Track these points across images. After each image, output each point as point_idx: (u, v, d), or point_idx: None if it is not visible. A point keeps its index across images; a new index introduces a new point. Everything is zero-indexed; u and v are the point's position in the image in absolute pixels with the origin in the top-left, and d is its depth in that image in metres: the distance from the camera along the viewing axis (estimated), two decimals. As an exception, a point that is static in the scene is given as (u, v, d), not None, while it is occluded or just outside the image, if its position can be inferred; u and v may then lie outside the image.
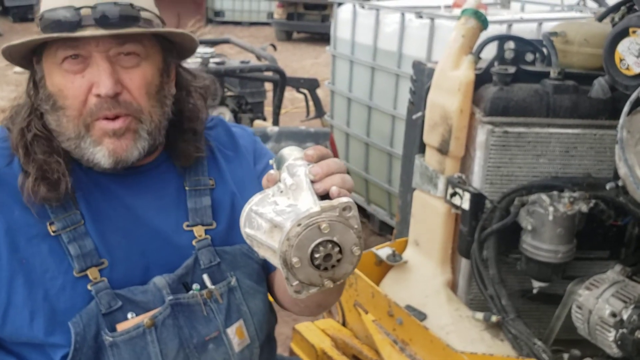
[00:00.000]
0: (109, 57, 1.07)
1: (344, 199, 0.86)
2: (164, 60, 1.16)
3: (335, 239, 0.86)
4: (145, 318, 1.10)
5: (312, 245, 0.85)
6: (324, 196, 0.89)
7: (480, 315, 2.16)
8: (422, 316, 2.27)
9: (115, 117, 1.08)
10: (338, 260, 0.88)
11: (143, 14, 1.10)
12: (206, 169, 1.26)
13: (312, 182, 0.90)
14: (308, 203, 0.86)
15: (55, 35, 1.04)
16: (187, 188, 1.22)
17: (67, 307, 1.08)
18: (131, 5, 1.08)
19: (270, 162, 1.00)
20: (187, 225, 1.20)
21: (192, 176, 1.23)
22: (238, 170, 1.30)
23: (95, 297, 1.09)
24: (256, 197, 0.93)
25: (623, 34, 1.90)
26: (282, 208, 0.88)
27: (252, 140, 1.36)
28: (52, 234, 1.09)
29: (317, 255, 0.86)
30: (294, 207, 0.87)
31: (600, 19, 2.33)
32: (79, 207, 1.12)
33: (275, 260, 0.89)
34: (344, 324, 2.55)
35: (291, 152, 0.99)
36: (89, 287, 1.09)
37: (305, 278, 0.88)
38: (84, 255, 1.10)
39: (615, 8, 2.26)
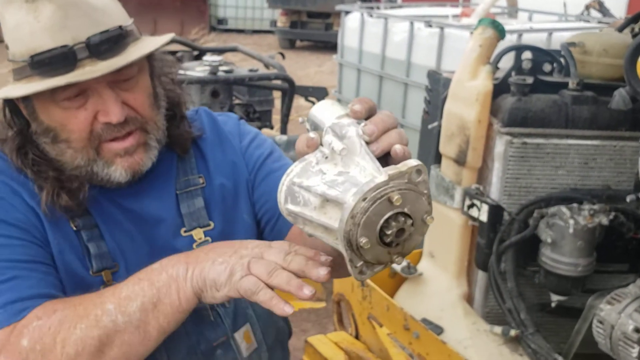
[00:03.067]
0: (109, 84, 1.04)
1: (413, 162, 0.72)
2: (150, 65, 1.13)
3: (406, 209, 0.73)
4: None
5: (382, 221, 0.72)
6: (381, 158, 0.75)
7: (498, 329, 2.12)
8: (438, 330, 2.23)
9: (125, 136, 1.07)
10: (410, 234, 0.76)
11: (128, 28, 1.06)
12: (195, 166, 1.21)
13: (367, 143, 0.75)
14: (369, 171, 0.71)
15: (63, 82, 0.98)
16: (177, 192, 1.18)
17: None
18: (120, 27, 1.04)
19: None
20: (185, 231, 1.17)
21: (181, 177, 1.19)
22: (219, 155, 1.24)
23: None
24: (296, 167, 0.78)
25: (645, 44, 1.87)
26: (332, 178, 0.73)
27: (236, 124, 1.30)
28: (74, 228, 1.08)
29: (388, 232, 0.73)
30: (346, 175, 0.73)
31: (621, 29, 2.31)
32: (92, 214, 1.11)
33: (331, 240, 0.76)
34: (357, 336, 2.51)
35: (330, 109, 0.81)
36: (101, 288, 1.06)
37: (373, 258, 0.75)
38: (101, 256, 1.08)
39: (635, 19, 2.24)
